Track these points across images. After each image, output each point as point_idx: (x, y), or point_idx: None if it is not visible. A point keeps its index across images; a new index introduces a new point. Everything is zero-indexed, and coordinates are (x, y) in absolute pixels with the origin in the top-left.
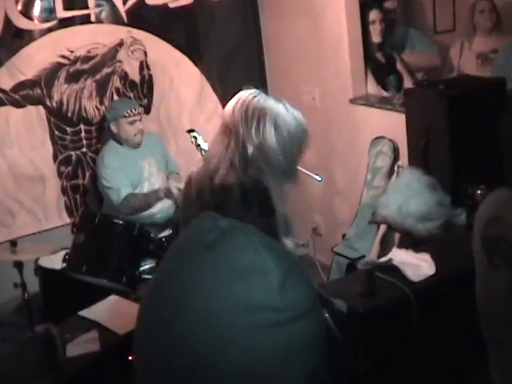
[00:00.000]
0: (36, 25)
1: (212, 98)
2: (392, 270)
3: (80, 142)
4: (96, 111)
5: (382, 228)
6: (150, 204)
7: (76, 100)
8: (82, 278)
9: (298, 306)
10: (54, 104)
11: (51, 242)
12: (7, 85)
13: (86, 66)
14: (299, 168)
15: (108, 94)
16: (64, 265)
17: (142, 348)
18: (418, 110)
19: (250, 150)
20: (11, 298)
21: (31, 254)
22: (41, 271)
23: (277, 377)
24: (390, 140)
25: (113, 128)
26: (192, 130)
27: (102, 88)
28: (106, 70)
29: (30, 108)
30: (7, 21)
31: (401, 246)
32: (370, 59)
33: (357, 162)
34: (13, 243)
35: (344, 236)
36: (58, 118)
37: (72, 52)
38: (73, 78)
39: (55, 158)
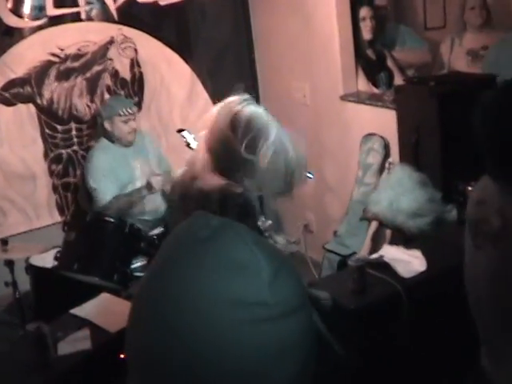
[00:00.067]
0: (26, 22)
1: (203, 95)
2: (383, 266)
3: (71, 140)
4: (87, 109)
5: (373, 225)
6: (134, 203)
7: (66, 98)
8: (74, 276)
9: (288, 303)
10: (45, 102)
11: (42, 241)
12: None
13: (76, 64)
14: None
15: (99, 92)
16: (55, 263)
17: (134, 344)
18: (408, 106)
19: (236, 160)
20: (2, 297)
21: (22, 252)
22: (32, 270)
23: (266, 374)
24: (381, 137)
25: (106, 126)
26: (181, 130)
27: (92, 86)
28: (97, 68)
29: (21, 106)
30: None
31: (392, 242)
32: (360, 56)
33: (348, 159)
34: (4, 242)
35: (335, 233)
36: (49, 116)
37: (62, 50)
38: (63, 76)
39: (46, 156)
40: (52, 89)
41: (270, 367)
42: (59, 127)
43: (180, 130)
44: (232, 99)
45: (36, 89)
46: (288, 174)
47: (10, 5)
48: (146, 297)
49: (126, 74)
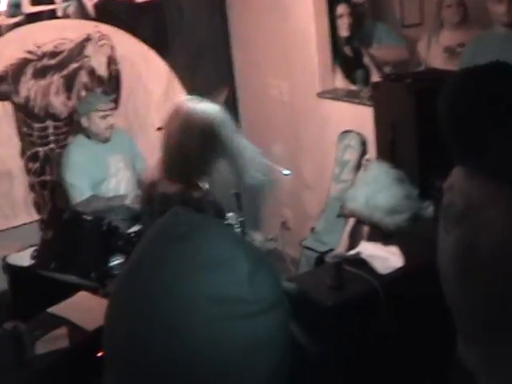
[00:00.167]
0: (3, 20)
1: (180, 92)
2: (360, 263)
3: (47, 138)
4: (63, 107)
5: (351, 221)
6: (113, 208)
7: (43, 96)
8: (51, 275)
9: (266, 299)
10: (21, 100)
11: (19, 239)
12: None
13: (53, 62)
14: (267, 162)
15: (75, 90)
16: (32, 262)
17: (112, 342)
18: (385, 103)
19: (192, 162)
20: None
21: None
22: (9, 268)
23: (242, 371)
24: (358, 133)
25: (84, 122)
26: (161, 128)
27: (69, 84)
28: (74, 66)
29: None
30: None
31: (370, 239)
32: (337, 53)
33: (325, 156)
34: None
35: (313, 230)
36: (25, 114)
37: (39, 47)
38: (40, 73)
39: (23, 154)
40: (29, 86)
41: (247, 364)
42: (36, 125)
43: (160, 128)
44: (181, 101)
45: (13, 86)
46: (240, 169)
47: None
48: (124, 294)
49: (102, 71)
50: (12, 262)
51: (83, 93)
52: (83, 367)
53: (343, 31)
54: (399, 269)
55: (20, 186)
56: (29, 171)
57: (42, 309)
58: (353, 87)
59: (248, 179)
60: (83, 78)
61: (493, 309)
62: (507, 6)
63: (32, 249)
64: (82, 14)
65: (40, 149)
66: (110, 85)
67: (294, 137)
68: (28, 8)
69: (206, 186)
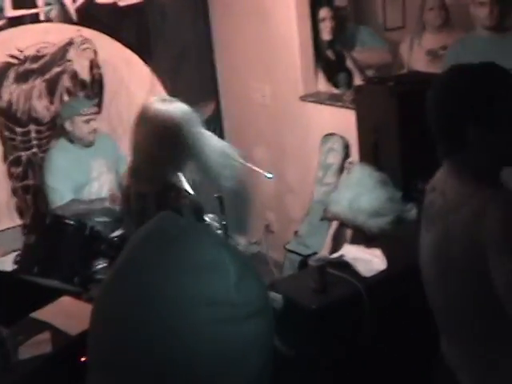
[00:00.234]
0: None
1: (163, 95)
2: (344, 265)
3: (30, 143)
4: (46, 111)
5: (334, 224)
6: (94, 211)
7: (26, 100)
8: (34, 280)
9: (252, 303)
10: (4, 104)
11: (2, 244)
12: None
13: (35, 66)
14: (249, 165)
15: (58, 94)
16: (15, 266)
17: (96, 347)
18: (368, 106)
19: (157, 161)
20: None
21: None
22: None
23: (225, 377)
24: (341, 137)
25: (67, 126)
26: None
27: (51, 88)
28: (56, 70)
29: None
30: None
31: (353, 242)
32: (320, 57)
33: (308, 159)
34: None
35: (296, 233)
36: (8, 119)
37: (21, 51)
38: (22, 77)
39: (5, 158)
40: (11, 90)
41: (230, 369)
42: (18, 129)
43: None
44: (149, 102)
45: None
46: (208, 171)
47: None
48: (109, 298)
49: (85, 75)
50: None
51: (66, 97)
52: (66, 372)
53: (325, 35)
54: (382, 271)
55: (2, 191)
56: (11, 176)
57: (25, 314)
58: (335, 90)
59: (219, 181)
60: (66, 82)
61: (470, 308)
62: (489, 9)
63: (15, 254)
64: (65, 17)
65: (23, 153)
66: (93, 89)
67: (276, 140)
68: (10, 12)
69: (184, 185)
